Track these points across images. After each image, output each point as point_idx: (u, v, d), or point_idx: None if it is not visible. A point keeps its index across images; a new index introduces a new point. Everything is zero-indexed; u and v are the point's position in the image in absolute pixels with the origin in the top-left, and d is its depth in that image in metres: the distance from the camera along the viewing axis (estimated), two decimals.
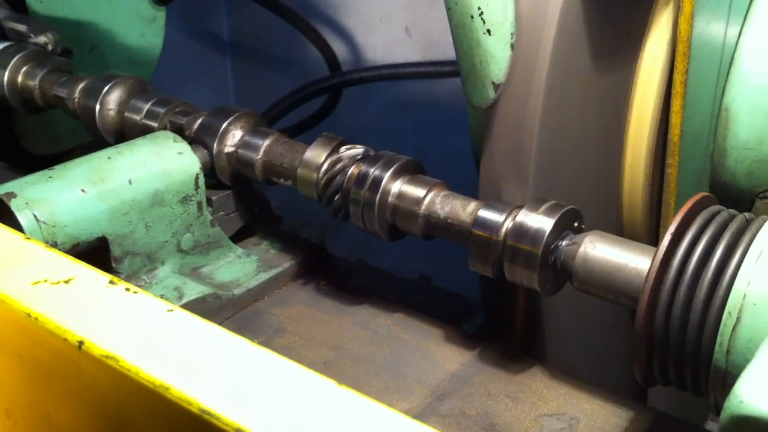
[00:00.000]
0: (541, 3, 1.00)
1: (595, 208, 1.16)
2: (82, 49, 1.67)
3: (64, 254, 0.74)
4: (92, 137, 1.32)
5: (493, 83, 1.01)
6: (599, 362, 1.25)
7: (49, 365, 0.66)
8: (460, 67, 1.03)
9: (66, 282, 0.70)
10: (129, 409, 0.62)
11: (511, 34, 0.99)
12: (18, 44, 1.41)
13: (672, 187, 1.16)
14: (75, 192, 1.04)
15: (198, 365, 0.62)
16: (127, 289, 0.70)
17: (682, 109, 1.12)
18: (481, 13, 0.96)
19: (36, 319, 0.65)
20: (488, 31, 0.98)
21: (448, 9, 0.99)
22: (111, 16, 1.69)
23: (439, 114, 2.47)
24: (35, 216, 0.99)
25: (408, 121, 2.58)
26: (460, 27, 0.99)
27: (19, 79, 1.37)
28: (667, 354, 0.87)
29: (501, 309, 1.16)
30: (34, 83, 1.36)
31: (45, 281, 0.70)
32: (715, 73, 1.16)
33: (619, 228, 1.23)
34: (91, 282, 0.70)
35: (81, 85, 1.30)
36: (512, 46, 1.00)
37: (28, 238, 0.77)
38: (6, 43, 1.40)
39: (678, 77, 1.11)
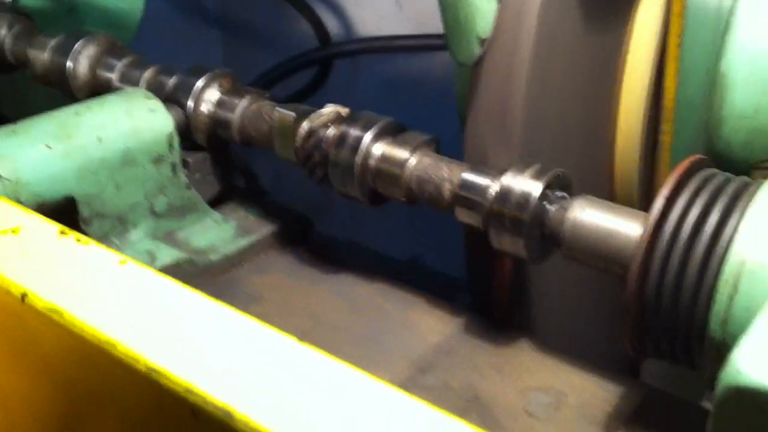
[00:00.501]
0: None
1: (584, 172, 1.11)
2: (60, 11, 1.61)
3: (12, 203, 0.69)
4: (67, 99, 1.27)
5: (478, 38, 0.96)
6: (589, 335, 1.20)
7: None
8: (443, 21, 0.98)
9: (13, 231, 0.65)
10: (75, 367, 0.57)
11: None
12: None
13: (666, 155, 1.12)
14: (39, 148, 0.98)
15: (149, 320, 0.57)
16: (78, 240, 0.65)
17: (677, 73, 1.08)
18: None
19: None
20: None
21: None
22: None
23: (432, 90, 2.42)
24: None
25: (399, 97, 2.53)
26: None
27: None
28: (659, 324, 0.83)
29: (486, 280, 1.12)
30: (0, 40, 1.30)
31: None
32: (709, 36, 1.11)
33: (611, 196, 1.18)
34: (40, 232, 0.65)
35: (52, 42, 1.25)
36: None
37: None
38: None
39: (673, 39, 1.06)
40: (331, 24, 2.58)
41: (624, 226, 0.89)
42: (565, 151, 1.09)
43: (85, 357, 0.55)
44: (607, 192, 1.18)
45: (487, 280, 1.12)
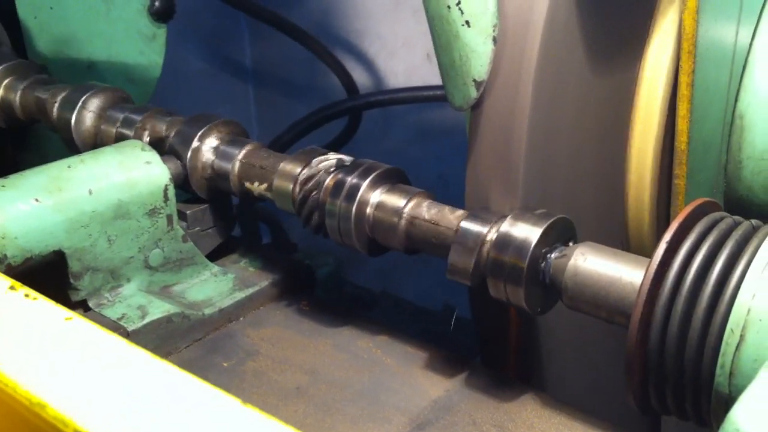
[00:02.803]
0: None
1: (595, 220, 1.06)
2: (79, 67, 1.63)
3: None
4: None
5: (474, 80, 0.93)
6: (602, 388, 1.14)
7: None
8: (439, 64, 0.95)
9: None
10: (4, 428, 0.54)
11: (494, 26, 0.91)
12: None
13: (680, 200, 1.06)
14: (28, 201, 0.97)
15: (85, 380, 0.54)
16: (27, 295, 0.62)
17: (690, 114, 1.03)
18: (459, 2, 0.88)
19: None
20: (467, 22, 0.89)
21: (424, 0, 0.91)
22: (109, 33, 1.64)
23: (463, 141, 2.39)
24: None
25: (430, 148, 2.51)
26: (436, 19, 0.91)
27: (0, 92, 1.32)
28: (664, 378, 0.77)
29: (492, 330, 1.06)
30: (14, 96, 1.31)
31: None
32: (726, 76, 1.06)
33: (625, 244, 1.13)
34: None
35: (60, 96, 1.25)
36: (495, 39, 0.92)
37: None
38: None
39: (684, 78, 1.02)
40: (362, 76, 2.58)
41: (627, 274, 0.83)
42: (573, 196, 1.04)
43: (16, 417, 0.52)
44: (621, 238, 1.12)
45: (495, 332, 1.07)
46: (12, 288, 0.63)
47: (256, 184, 1.07)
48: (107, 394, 0.54)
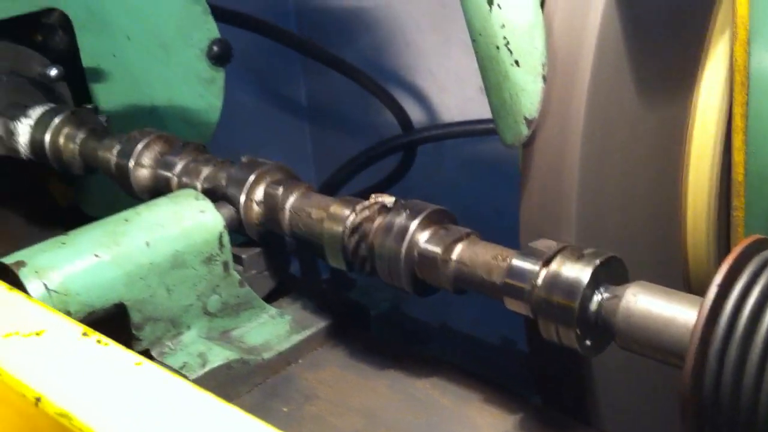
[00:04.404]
0: (575, 31, 0.92)
1: (650, 256, 1.05)
2: (141, 111, 1.67)
3: (41, 304, 0.70)
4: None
5: (525, 118, 0.93)
6: (659, 427, 1.11)
7: (10, 423, 0.61)
8: (489, 103, 0.95)
9: (37, 334, 0.66)
10: None
11: (542, 64, 0.91)
12: (59, 106, 1.41)
13: (740, 232, 1.04)
14: (88, 258, 0.99)
15: (157, 424, 0.56)
16: (99, 341, 0.64)
17: (745, 146, 1.01)
18: (507, 43, 0.89)
19: None
20: (516, 62, 0.90)
21: (473, 41, 0.92)
22: (169, 78, 1.69)
23: (516, 172, 2.38)
24: (45, 285, 0.95)
25: (484, 180, 2.51)
26: (486, 60, 0.92)
27: (61, 141, 1.36)
28: (719, 424, 0.75)
29: (549, 369, 1.06)
30: (74, 146, 1.35)
31: (16, 333, 0.66)
32: None
33: (685, 280, 1.11)
34: (62, 334, 0.66)
35: (116, 145, 1.29)
36: (544, 78, 0.92)
37: (11, 289, 0.74)
38: (48, 106, 1.41)
39: (737, 110, 1.00)
40: (415, 111, 2.60)
41: (682, 314, 0.82)
42: (626, 231, 1.03)
43: None
44: (678, 273, 1.10)
45: (550, 371, 1.06)
46: (85, 334, 0.65)
47: (307, 229, 1.09)
48: None
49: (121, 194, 1.46)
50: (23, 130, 1.38)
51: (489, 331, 1.66)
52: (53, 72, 1.48)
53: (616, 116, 0.99)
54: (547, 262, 0.89)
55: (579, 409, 1.06)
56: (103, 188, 1.60)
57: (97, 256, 0.99)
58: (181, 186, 1.19)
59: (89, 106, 1.46)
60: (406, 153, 2.41)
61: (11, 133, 1.40)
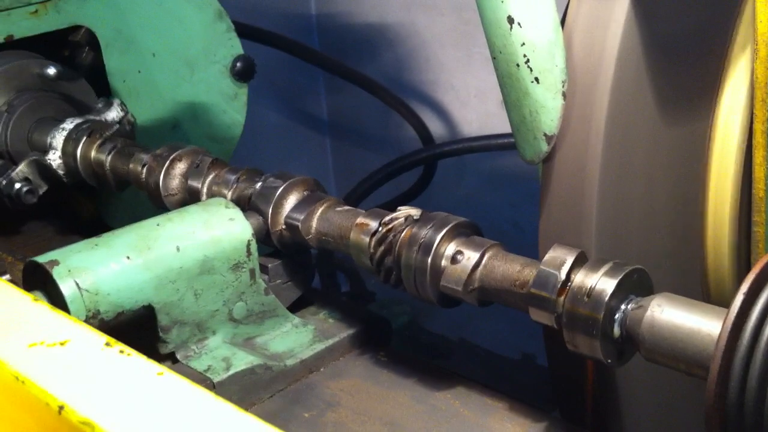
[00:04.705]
0: (595, 48, 0.94)
1: (670, 271, 1.06)
2: (165, 128, 1.70)
3: (65, 315, 0.71)
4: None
5: (545, 135, 0.95)
6: None
7: (34, 430, 0.63)
8: (509, 119, 0.97)
9: (61, 344, 0.67)
10: None
11: (562, 82, 0.93)
12: (89, 120, 1.44)
13: (761, 247, 1.05)
14: (120, 260, 1.02)
15: None
16: (121, 351, 0.66)
17: (766, 162, 1.02)
18: (528, 60, 0.91)
19: (23, 382, 0.62)
20: (536, 79, 0.92)
21: (493, 58, 0.94)
22: (193, 94, 1.72)
23: (536, 187, 2.39)
24: (77, 284, 0.98)
25: (504, 195, 2.52)
26: (506, 77, 0.93)
27: (92, 154, 1.39)
28: None
29: (569, 380, 1.06)
30: (104, 158, 1.38)
31: (41, 343, 0.67)
32: None
33: (704, 295, 1.12)
34: (86, 344, 0.67)
35: (146, 158, 1.31)
36: (564, 94, 0.93)
37: (36, 300, 0.75)
38: (79, 120, 1.44)
39: (758, 126, 1.02)
40: (436, 126, 2.62)
41: (706, 325, 0.83)
42: (647, 247, 1.05)
43: None
44: (699, 288, 1.11)
45: (571, 383, 1.07)
46: (108, 344, 0.67)
47: (333, 241, 1.11)
48: None
49: (144, 206, 1.49)
50: (55, 144, 1.41)
51: (508, 347, 1.67)
52: (51, 71, 1.50)
53: (635, 132, 1.00)
54: (572, 273, 0.90)
55: (599, 424, 1.06)
56: (126, 201, 1.63)
57: (128, 258, 1.02)
58: (211, 197, 1.21)
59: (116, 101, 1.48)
60: (427, 167, 2.42)
61: (43, 147, 1.43)
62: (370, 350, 1.17)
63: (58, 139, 1.41)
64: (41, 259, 0.99)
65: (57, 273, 0.97)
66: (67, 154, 1.41)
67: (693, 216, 1.09)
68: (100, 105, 1.49)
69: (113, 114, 1.44)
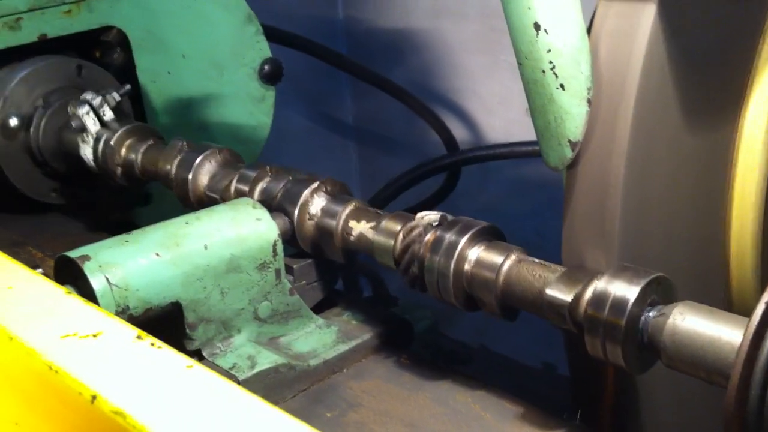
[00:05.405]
0: (621, 56, 0.94)
1: (692, 279, 1.06)
2: (192, 128, 1.73)
3: (98, 308, 0.73)
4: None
5: (569, 141, 0.96)
6: None
7: (66, 419, 0.65)
8: (534, 125, 0.98)
9: (94, 336, 0.69)
10: None
11: (588, 89, 0.94)
12: (121, 120, 1.46)
13: None
14: (149, 256, 1.04)
15: (206, 425, 0.58)
16: (152, 344, 0.68)
17: None
18: (553, 67, 0.92)
19: (57, 372, 0.64)
20: (561, 86, 0.92)
21: (519, 65, 0.95)
22: (221, 95, 1.74)
23: (560, 195, 2.39)
24: (107, 279, 1.00)
25: (527, 202, 2.52)
26: (531, 83, 0.94)
27: (123, 152, 1.42)
28: None
29: (589, 386, 1.07)
30: (135, 157, 1.40)
31: (74, 335, 0.69)
32: None
33: (727, 303, 1.12)
34: (118, 336, 0.69)
35: (176, 157, 1.33)
36: (589, 101, 0.94)
37: (69, 293, 0.77)
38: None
39: None
40: (461, 132, 2.63)
41: (727, 334, 0.83)
42: (670, 255, 1.05)
43: None
44: (721, 298, 1.11)
45: (592, 390, 1.08)
46: (139, 337, 0.69)
47: (358, 242, 1.12)
48: None
49: (170, 206, 1.51)
50: (87, 142, 1.44)
51: (528, 355, 1.67)
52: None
53: (660, 140, 1.01)
54: (595, 279, 0.91)
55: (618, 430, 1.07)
56: (153, 201, 1.66)
57: (157, 255, 1.04)
58: (238, 197, 1.23)
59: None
60: (451, 173, 2.43)
61: (76, 145, 1.45)
62: (392, 352, 1.18)
63: (89, 135, 1.44)
64: (73, 254, 1.01)
65: (88, 268, 0.99)
66: (98, 149, 1.43)
67: (716, 224, 1.09)
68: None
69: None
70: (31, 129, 1.51)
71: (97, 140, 1.43)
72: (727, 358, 0.82)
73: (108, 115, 1.44)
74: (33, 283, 0.82)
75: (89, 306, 0.75)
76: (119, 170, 1.43)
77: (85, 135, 1.43)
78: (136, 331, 0.70)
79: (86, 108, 1.42)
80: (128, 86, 1.52)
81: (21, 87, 1.52)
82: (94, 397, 0.61)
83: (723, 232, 1.10)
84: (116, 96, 1.46)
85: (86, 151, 1.44)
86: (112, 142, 1.41)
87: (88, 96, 1.44)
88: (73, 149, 1.47)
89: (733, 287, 1.12)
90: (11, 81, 1.52)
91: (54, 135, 1.51)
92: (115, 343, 0.69)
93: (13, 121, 1.51)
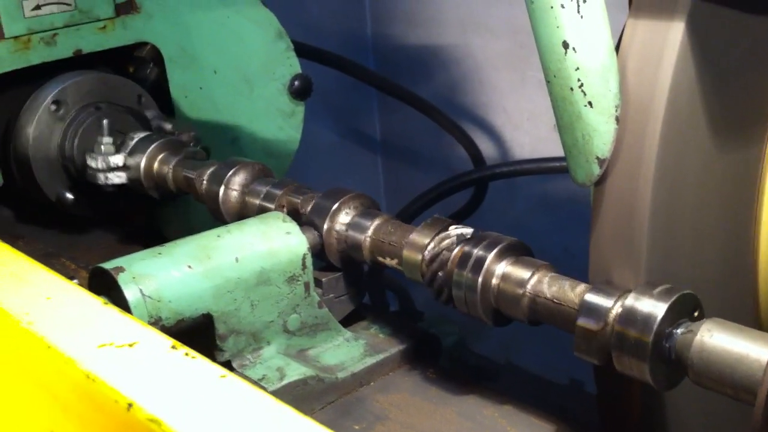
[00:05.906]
0: (649, 73, 0.95)
1: (720, 296, 1.06)
2: (223, 142, 1.75)
3: (134, 318, 0.75)
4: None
5: (597, 158, 0.96)
6: None
7: (103, 427, 0.66)
8: (562, 142, 0.98)
9: (130, 345, 0.71)
10: None
11: (616, 106, 0.94)
12: (156, 133, 1.49)
13: None
14: (181, 268, 1.06)
15: None
16: (186, 354, 0.69)
17: None
18: (582, 85, 0.92)
19: (93, 380, 0.66)
20: (589, 103, 0.93)
21: (547, 82, 0.96)
22: (251, 112, 1.77)
23: (587, 212, 2.39)
24: (141, 290, 1.02)
25: (555, 218, 2.52)
26: (560, 100, 0.95)
27: (155, 165, 1.44)
28: None
29: (616, 404, 1.07)
30: (167, 168, 1.43)
31: (110, 344, 0.71)
32: None
33: (755, 321, 1.12)
34: (153, 346, 0.71)
35: (208, 171, 1.35)
36: (617, 119, 0.95)
37: (106, 303, 0.79)
38: (145, 133, 1.49)
39: None
40: (489, 148, 2.64)
41: (755, 351, 0.84)
42: (697, 272, 1.05)
43: None
44: (749, 314, 1.11)
45: (619, 408, 1.08)
46: (174, 347, 0.70)
47: (387, 258, 1.13)
48: None
49: (199, 219, 1.53)
50: (121, 157, 1.46)
51: (556, 371, 1.67)
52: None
53: (688, 158, 1.01)
54: (622, 297, 0.92)
55: None
56: (181, 213, 1.68)
57: (190, 267, 1.06)
58: (267, 210, 1.25)
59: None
60: (478, 189, 2.44)
61: (109, 160, 1.48)
62: (420, 366, 1.19)
63: (124, 148, 1.46)
64: (107, 265, 1.04)
65: (122, 279, 1.02)
66: (131, 162, 1.45)
67: (745, 242, 1.09)
68: (169, 126, 1.54)
69: (185, 137, 1.50)
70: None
71: (129, 155, 1.45)
72: (755, 376, 0.82)
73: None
74: (70, 294, 0.84)
75: (125, 316, 0.77)
76: (152, 184, 1.46)
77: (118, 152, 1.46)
78: (171, 341, 0.72)
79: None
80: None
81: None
82: (130, 405, 0.63)
83: (751, 250, 1.09)
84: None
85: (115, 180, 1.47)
86: (143, 158, 1.44)
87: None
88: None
89: (761, 305, 1.11)
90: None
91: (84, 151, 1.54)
92: (151, 353, 0.71)
93: None
